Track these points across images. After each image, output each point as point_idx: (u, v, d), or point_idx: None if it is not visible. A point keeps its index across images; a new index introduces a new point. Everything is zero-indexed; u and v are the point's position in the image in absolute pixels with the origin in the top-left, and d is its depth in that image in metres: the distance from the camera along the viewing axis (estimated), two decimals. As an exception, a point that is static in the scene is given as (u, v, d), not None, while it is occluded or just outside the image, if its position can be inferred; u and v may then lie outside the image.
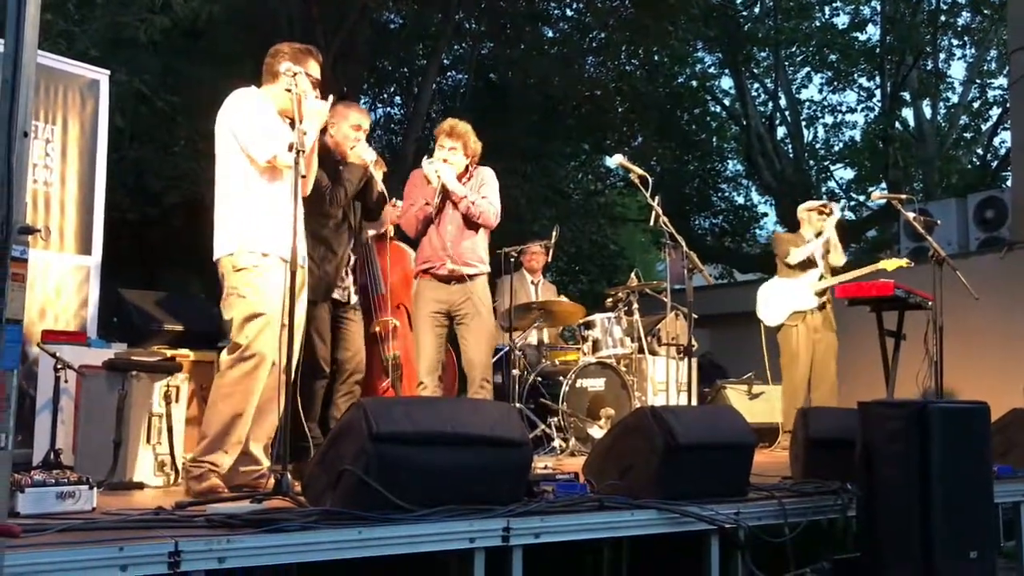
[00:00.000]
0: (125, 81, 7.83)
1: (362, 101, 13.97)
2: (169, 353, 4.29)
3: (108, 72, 5.82)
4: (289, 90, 3.63)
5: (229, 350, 3.62)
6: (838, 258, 6.70)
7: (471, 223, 4.82)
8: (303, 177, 3.55)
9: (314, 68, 3.81)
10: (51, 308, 5.26)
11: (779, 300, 6.80)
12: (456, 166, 4.84)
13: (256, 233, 3.64)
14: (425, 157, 4.96)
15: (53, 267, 5.30)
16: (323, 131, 4.57)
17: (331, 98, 3.80)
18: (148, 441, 3.95)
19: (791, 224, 7.08)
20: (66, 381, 4.30)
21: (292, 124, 3.71)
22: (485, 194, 4.85)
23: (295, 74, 3.61)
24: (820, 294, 6.65)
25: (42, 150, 5.29)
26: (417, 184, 4.91)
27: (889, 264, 6.39)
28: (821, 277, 6.68)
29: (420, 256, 4.89)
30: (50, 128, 5.35)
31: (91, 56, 7.19)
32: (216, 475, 3.53)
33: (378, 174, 4.63)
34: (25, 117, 2.23)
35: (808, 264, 6.74)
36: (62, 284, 5.33)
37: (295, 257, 3.43)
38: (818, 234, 6.77)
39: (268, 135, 3.65)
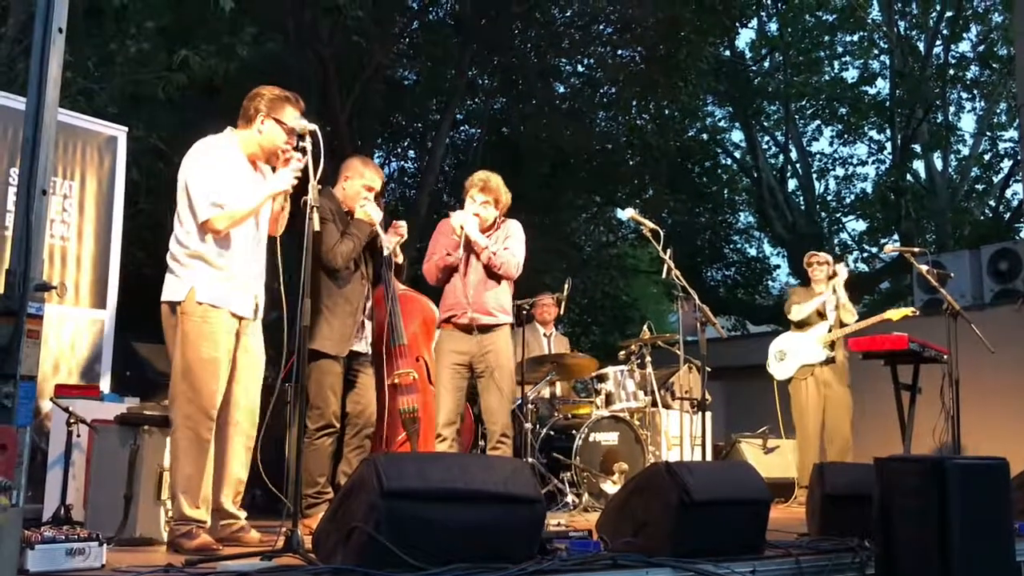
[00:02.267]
0: (142, 137, 7.93)
1: (376, 155, 14.15)
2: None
3: (126, 129, 5.91)
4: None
5: (172, 402, 3.60)
6: (848, 316, 6.68)
7: (493, 274, 4.84)
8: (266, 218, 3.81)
9: (290, 115, 3.79)
10: (65, 362, 5.28)
11: (788, 354, 6.79)
12: (486, 219, 4.89)
13: (209, 283, 3.61)
14: (456, 211, 5.00)
15: (68, 321, 5.33)
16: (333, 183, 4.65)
17: (304, 157, 3.61)
18: (159, 497, 3.92)
19: (804, 276, 7.07)
20: (78, 435, 4.30)
21: (255, 167, 3.85)
22: (509, 246, 4.88)
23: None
24: (828, 347, 6.61)
25: (59, 205, 5.36)
26: (444, 233, 4.96)
27: (895, 314, 6.36)
28: (830, 330, 6.65)
29: (443, 305, 4.93)
30: (68, 184, 5.43)
31: (109, 113, 7.30)
32: (204, 531, 3.53)
33: (394, 241, 4.71)
34: (45, 175, 2.27)
35: (817, 317, 6.72)
36: (76, 338, 5.36)
37: (306, 310, 3.43)
38: (830, 284, 6.76)
39: (213, 197, 3.61)
